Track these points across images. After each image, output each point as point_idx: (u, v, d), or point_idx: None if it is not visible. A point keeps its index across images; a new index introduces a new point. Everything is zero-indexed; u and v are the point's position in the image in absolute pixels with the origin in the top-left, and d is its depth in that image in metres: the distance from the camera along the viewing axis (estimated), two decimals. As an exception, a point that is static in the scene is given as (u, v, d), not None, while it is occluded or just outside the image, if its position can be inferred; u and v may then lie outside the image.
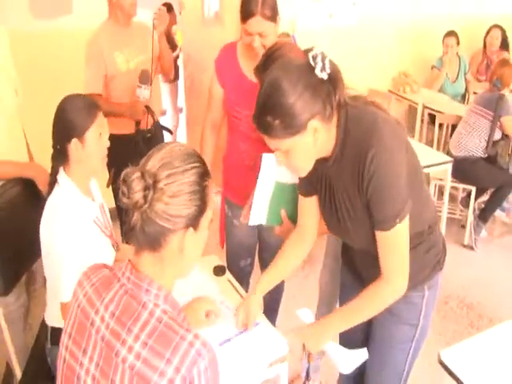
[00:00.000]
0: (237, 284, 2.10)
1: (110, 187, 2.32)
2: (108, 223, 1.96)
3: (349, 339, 1.87)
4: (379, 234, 1.49)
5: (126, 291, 1.14)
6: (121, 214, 3.16)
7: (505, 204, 4.29)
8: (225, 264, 2.22)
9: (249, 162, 2.25)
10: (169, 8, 5.54)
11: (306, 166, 1.49)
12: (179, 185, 1.09)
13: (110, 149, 2.91)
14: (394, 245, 1.49)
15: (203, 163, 1.17)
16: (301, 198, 1.73)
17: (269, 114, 1.35)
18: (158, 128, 3.20)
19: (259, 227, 2.55)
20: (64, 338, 1.19)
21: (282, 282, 2.66)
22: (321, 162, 1.51)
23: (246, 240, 2.59)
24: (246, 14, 2.09)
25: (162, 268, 1.15)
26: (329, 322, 1.65)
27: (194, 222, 1.13)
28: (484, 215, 4.21)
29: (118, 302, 1.12)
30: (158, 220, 1.09)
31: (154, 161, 1.11)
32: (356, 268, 1.80)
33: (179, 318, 1.14)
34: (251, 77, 2.20)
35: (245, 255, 2.64)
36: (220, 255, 2.34)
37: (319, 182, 1.62)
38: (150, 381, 1.03)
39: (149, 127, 2.98)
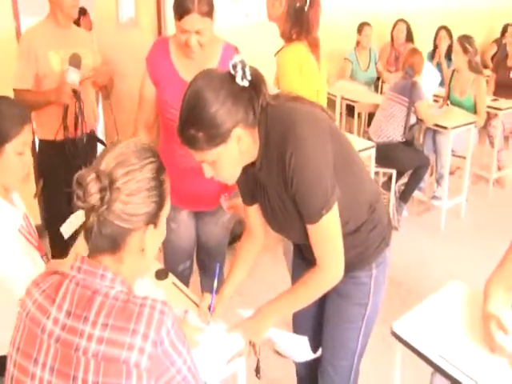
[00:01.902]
0: (183, 286, 2.00)
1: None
2: (34, 234, 1.75)
3: (301, 323, 1.84)
4: (309, 227, 1.48)
5: (77, 283, 1.06)
6: (49, 228, 2.98)
7: (421, 184, 4.44)
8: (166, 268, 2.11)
9: (185, 164, 2.15)
10: (83, 12, 5.32)
11: (233, 175, 1.49)
12: (137, 182, 1.04)
13: (38, 156, 2.73)
14: (324, 235, 1.48)
15: (158, 157, 1.11)
16: (245, 207, 1.71)
17: (192, 127, 1.33)
18: (92, 139, 3.01)
19: (197, 230, 2.47)
20: (12, 353, 1.08)
21: None
22: (250, 168, 1.50)
23: (184, 243, 2.48)
24: (182, 11, 1.96)
25: (121, 269, 1.09)
26: (266, 311, 1.61)
27: (153, 218, 1.08)
28: (404, 196, 4.34)
29: (71, 298, 1.04)
30: (116, 221, 1.03)
31: (108, 159, 1.05)
32: (302, 252, 1.78)
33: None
34: (185, 76, 2.09)
35: (183, 259, 2.52)
36: (159, 260, 2.24)
37: (256, 186, 1.60)
38: (119, 359, 0.97)
39: (79, 136, 2.76)
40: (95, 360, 0.98)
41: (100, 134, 4.36)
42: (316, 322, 1.86)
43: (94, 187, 1.01)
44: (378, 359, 2.52)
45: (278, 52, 2.53)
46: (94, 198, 1.01)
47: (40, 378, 1.03)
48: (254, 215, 1.71)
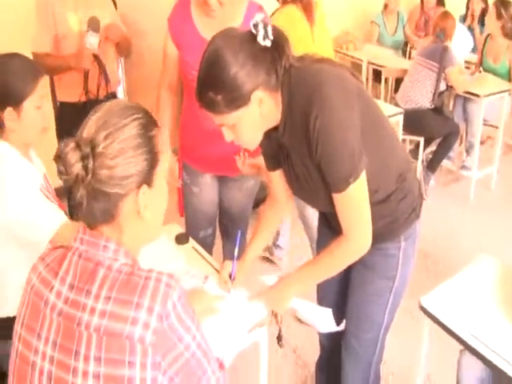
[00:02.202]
0: (203, 251, 1.95)
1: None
2: (54, 194, 1.73)
3: (325, 295, 1.77)
4: (335, 196, 1.40)
5: (79, 255, 1.00)
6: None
7: (450, 153, 4.30)
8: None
9: (207, 126, 2.06)
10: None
11: (254, 139, 1.42)
12: (120, 142, 0.96)
13: (60, 118, 2.70)
14: (351, 204, 1.41)
15: (146, 113, 1.03)
16: (269, 173, 1.65)
17: (210, 90, 1.27)
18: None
19: (220, 195, 2.42)
20: (17, 328, 1.04)
21: None
22: (273, 132, 1.43)
23: (206, 209, 2.42)
24: None
25: (122, 237, 1.02)
26: (289, 281, 1.56)
27: (146, 178, 1.00)
28: (432, 165, 4.20)
29: (74, 271, 0.99)
30: (106, 188, 0.96)
31: (89, 126, 0.98)
32: (328, 220, 1.70)
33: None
34: (206, 36, 2.00)
35: (205, 225, 2.46)
36: (181, 225, 2.18)
37: (279, 152, 1.53)
38: (122, 334, 0.92)
39: (101, 97, 2.71)
40: (97, 335, 0.93)
41: (122, 95, 4.35)
42: (340, 293, 1.80)
43: (73, 157, 0.94)
44: (404, 333, 2.46)
45: (272, 15, 2.52)
46: (77, 168, 0.94)
47: (43, 353, 0.98)
48: (277, 181, 1.64)
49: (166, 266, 1.81)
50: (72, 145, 0.94)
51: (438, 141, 4.18)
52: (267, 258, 3.26)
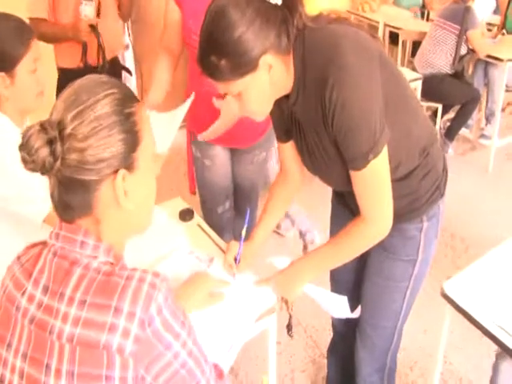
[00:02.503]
0: (209, 229, 1.83)
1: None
2: None
3: (339, 279, 1.65)
4: (352, 174, 1.27)
5: (55, 253, 0.88)
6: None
7: (469, 121, 4.11)
8: (192, 207, 1.93)
9: (217, 95, 1.93)
10: None
11: (263, 110, 1.28)
12: (91, 121, 0.83)
13: (59, 85, 2.54)
14: (371, 183, 1.27)
15: (122, 87, 0.90)
16: (279, 144, 1.51)
17: (213, 53, 1.13)
18: (116, 66, 2.85)
19: (233, 168, 2.28)
20: None
21: None
22: (284, 101, 1.29)
23: (220, 181, 2.29)
24: None
25: (102, 231, 0.90)
26: (302, 265, 1.44)
27: (124, 161, 0.87)
28: (450, 133, 4.04)
29: (48, 271, 0.87)
30: (78, 175, 0.83)
31: (57, 106, 0.85)
32: (345, 198, 1.57)
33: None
34: None
35: (221, 199, 2.34)
36: (187, 200, 2.06)
37: (291, 123, 1.40)
38: (98, 343, 0.80)
39: (100, 63, 2.62)
40: (70, 345, 0.81)
41: (129, 61, 4.19)
42: (356, 278, 1.68)
43: (37, 141, 0.81)
44: (423, 320, 2.36)
45: None
46: (42, 153, 0.81)
47: (12, 365, 0.86)
48: (289, 153, 1.51)
49: (167, 245, 1.69)
50: (36, 127, 0.81)
51: (456, 108, 4.00)
52: (274, 230, 3.14)
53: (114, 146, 0.84)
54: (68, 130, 0.82)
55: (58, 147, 0.81)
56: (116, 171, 0.86)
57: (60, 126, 0.82)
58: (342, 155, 1.25)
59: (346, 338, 1.82)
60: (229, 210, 2.39)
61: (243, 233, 1.57)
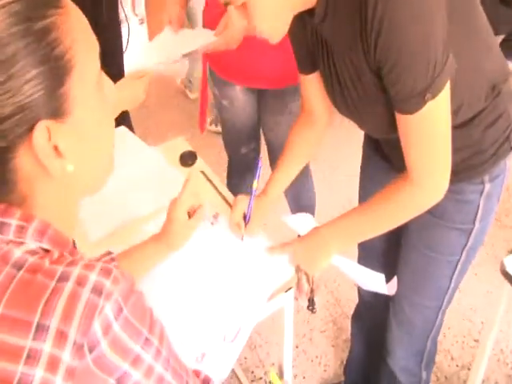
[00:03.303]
0: (214, 176, 1.53)
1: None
2: None
3: (368, 245, 1.36)
4: (401, 118, 0.97)
5: None
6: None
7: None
8: (195, 150, 1.62)
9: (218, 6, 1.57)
10: None
11: (276, 27, 0.99)
12: None
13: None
14: (425, 132, 0.97)
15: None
16: (302, 77, 1.22)
17: None
18: None
19: (260, 117, 1.94)
20: None
21: (309, 181, 2.11)
22: (309, 18, 0.99)
23: (242, 123, 1.96)
24: None
25: (31, 205, 0.63)
26: (329, 234, 1.16)
27: (45, 106, 0.57)
28: None
29: None
30: None
31: None
32: (383, 149, 1.27)
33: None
34: None
35: (244, 140, 2.02)
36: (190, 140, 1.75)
37: (317, 47, 1.11)
38: (11, 380, 0.53)
39: None
40: None
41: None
42: (390, 244, 1.39)
43: None
44: (472, 296, 2.07)
45: None
46: None
47: None
48: (313, 88, 1.21)
49: (162, 197, 1.41)
50: None
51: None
52: None
53: (22, 91, 0.54)
54: None
55: None
56: (31, 127, 0.57)
57: None
58: (387, 92, 0.96)
59: (374, 307, 1.55)
60: (253, 150, 2.07)
61: (254, 185, 1.28)
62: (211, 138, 3.11)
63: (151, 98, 3.42)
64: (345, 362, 1.81)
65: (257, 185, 1.28)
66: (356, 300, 1.67)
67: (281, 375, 1.39)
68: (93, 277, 0.57)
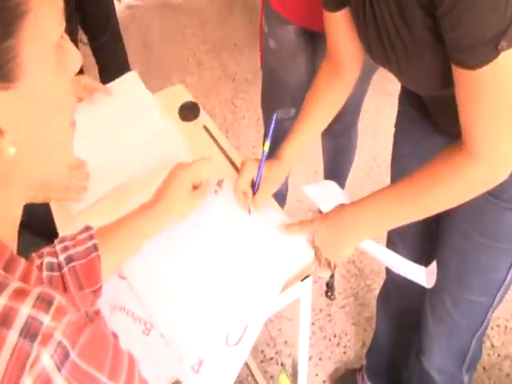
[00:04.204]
0: (219, 134, 1.29)
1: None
2: None
3: (401, 230, 1.14)
4: (460, 74, 0.77)
5: None
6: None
7: None
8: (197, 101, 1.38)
9: None
10: None
11: None
12: None
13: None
14: (494, 92, 0.76)
15: None
16: (325, 14, 1.03)
17: None
18: None
19: (314, 62, 1.65)
20: None
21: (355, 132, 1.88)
22: None
23: (288, 74, 1.65)
24: None
25: None
26: (359, 215, 0.94)
27: None
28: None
29: None
30: None
31: None
32: (428, 110, 1.04)
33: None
34: None
35: (285, 100, 1.71)
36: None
37: None
38: None
39: None
40: None
41: None
42: (427, 227, 1.17)
43: None
44: None
45: None
46: None
47: None
48: (341, 30, 1.02)
49: (159, 156, 1.20)
50: None
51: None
52: None
53: None
54: None
55: None
56: None
57: None
58: (439, 38, 0.78)
59: (405, 287, 1.34)
60: (291, 119, 1.71)
61: (266, 146, 1.08)
62: (222, 82, 2.85)
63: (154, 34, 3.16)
64: (368, 345, 1.63)
65: (269, 144, 1.07)
66: (382, 272, 1.47)
67: (294, 374, 1.21)
68: (24, 310, 0.43)
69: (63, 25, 0.51)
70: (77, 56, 0.54)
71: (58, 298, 0.44)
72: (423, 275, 0.97)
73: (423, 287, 1.00)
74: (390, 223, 0.97)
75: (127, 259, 0.95)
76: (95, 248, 0.85)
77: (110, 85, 1.37)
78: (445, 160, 0.84)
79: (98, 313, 0.48)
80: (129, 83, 1.40)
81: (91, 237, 0.86)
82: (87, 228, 0.88)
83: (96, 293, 0.84)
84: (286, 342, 1.80)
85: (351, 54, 1.05)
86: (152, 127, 1.29)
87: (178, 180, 0.97)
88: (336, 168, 2.02)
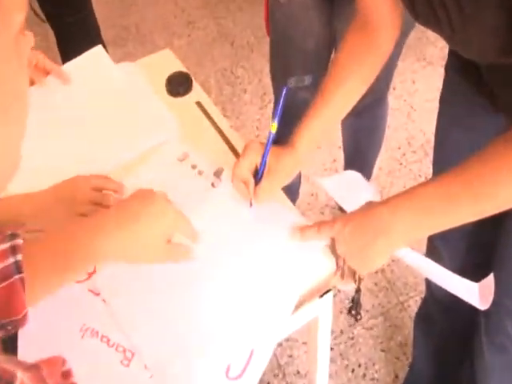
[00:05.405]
0: (216, 112, 1.33)
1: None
2: None
3: (447, 236, 1.16)
4: None
5: None
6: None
7: None
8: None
9: None
10: None
11: None
12: None
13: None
14: None
15: None
16: None
17: None
18: None
19: (333, 31, 1.69)
20: None
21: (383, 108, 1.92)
22: None
23: (300, 34, 1.68)
24: None
25: None
26: (397, 215, 0.93)
27: None
28: None
29: None
30: None
31: None
32: (484, 81, 1.07)
33: None
34: None
35: (297, 67, 1.75)
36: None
37: None
38: None
39: None
40: None
41: None
42: (485, 232, 1.17)
43: None
44: None
45: None
46: None
47: None
48: None
49: (145, 139, 1.25)
50: None
51: None
52: None
53: None
54: None
55: None
56: None
57: None
58: None
59: (449, 307, 1.39)
60: (309, 88, 1.77)
61: (273, 128, 1.10)
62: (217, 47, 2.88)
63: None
64: (402, 379, 1.66)
65: (276, 125, 1.09)
66: (419, 285, 1.49)
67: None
68: None
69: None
70: (30, 43, 0.54)
71: (20, 377, 0.44)
72: (476, 293, 0.98)
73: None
74: (433, 227, 0.97)
75: (70, 281, 0.90)
76: (18, 268, 0.73)
77: (71, 63, 1.40)
78: (510, 149, 0.84)
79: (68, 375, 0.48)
80: (92, 59, 1.43)
81: (14, 250, 0.74)
82: (11, 235, 0.76)
83: (21, 322, 0.74)
84: (298, 373, 1.83)
85: (388, 14, 1.07)
86: (129, 108, 1.34)
87: (150, 227, 0.88)
88: (360, 154, 2.05)
